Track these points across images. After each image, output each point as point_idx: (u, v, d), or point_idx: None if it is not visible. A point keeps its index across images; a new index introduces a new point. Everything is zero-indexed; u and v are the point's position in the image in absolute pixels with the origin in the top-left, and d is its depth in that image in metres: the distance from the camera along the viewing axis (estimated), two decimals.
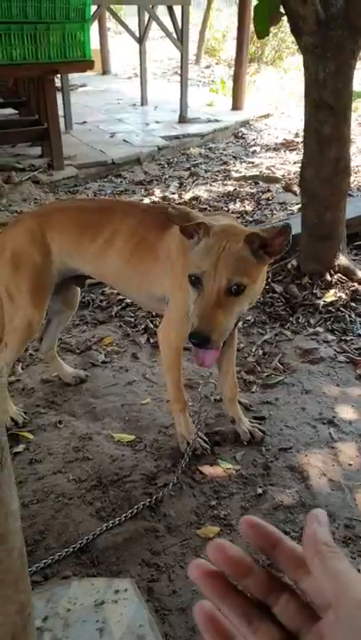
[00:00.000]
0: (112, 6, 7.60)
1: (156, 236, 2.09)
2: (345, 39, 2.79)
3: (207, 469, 2.10)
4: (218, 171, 5.75)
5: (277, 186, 5.13)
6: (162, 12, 7.33)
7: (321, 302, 3.15)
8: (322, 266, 3.34)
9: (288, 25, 3.07)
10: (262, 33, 3.44)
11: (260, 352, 2.82)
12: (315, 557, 0.43)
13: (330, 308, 3.11)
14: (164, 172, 5.82)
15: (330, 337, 2.90)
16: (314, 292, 3.25)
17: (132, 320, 3.14)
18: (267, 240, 1.62)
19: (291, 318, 3.08)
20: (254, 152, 6.40)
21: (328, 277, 3.31)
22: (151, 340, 2.95)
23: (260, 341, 2.90)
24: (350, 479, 2.05)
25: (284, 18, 3.19)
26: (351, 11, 2.78)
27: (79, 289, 2.53)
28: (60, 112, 6.72)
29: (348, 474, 2.07)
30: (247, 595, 0.46)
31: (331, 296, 3.21)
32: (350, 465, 2.12)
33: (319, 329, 2.97)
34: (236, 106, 7.99)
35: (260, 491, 1.99)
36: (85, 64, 5.16)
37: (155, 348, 2.89)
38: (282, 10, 3.19)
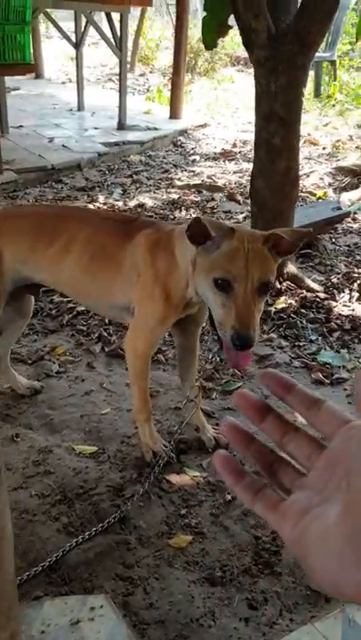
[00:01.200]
0: (47, 10, 7.49)
1: (117, 245, 2.06)
2: (296, 54, 2.87)
3: (174, 478, 2.09)
4: (160, 178, 5.76)
5: (221, 194, 5.20)
6: (98, 18, 7.29)
7: (272, 309, 3.21)
8: None
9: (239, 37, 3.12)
10: (210, 44, 3.49)
11: (217, 359, 2.83)
12: None
13: (281, 315, 3.18)
14: (106, 178, 5.77)
15: (284, 343, 2.96)
16: None
17: (85, 329, 3.09)
18: (283, 241, 1.67)
19: None
20: (194, 161, 6.45)
21: (278, 285, 3.38)
22: (106, 349, 2.90)
23: (215, 348, 2.92)
24: None
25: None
26: (301, 27, 2.86)
27: (33, 297, 2.46)
28: None
29: None
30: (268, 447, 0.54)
31: (281, 303, 3.27)
32: None
33: (273, 335, 3.02)
34: (173, 115, 8.03)
35: (228, 497, 1.99)
36: (26, 67, 5.06)
37: (110, 357, 2.85)
38: (230, 22, 3.25)
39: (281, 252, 1.71)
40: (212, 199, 5.05)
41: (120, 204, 4.91)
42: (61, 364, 2.79)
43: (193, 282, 1.82)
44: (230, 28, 3.38)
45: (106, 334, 3.01)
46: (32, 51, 5.04)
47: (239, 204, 4.95)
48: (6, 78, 10.55)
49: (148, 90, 10.43)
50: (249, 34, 2.93)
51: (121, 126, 7.28)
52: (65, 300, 3.34)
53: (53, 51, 13.00)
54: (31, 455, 2.20)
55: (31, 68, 5.10)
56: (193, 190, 5.30)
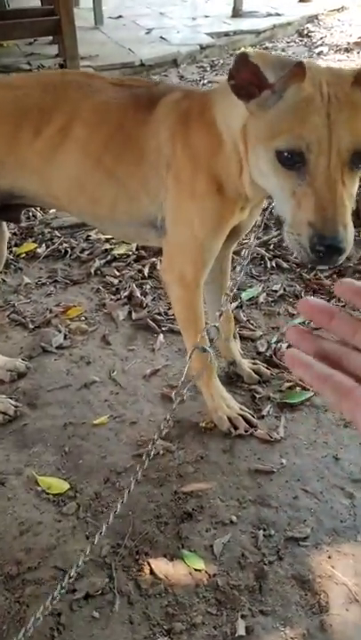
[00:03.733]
0: None
1: (137, 121, 1.39)
2: None
3: (163, 566, 1.29)
4: None
5: None
6: None
7: None
8: None
9: None
10: None
11: (285, 344, 1.92)
12: None
13: None
14: (204, 76, 4.73)
15: None
16: None
17: (116, 282, 2.28)
18: None
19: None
20: (320, 53, 5.15)
21: None
22: (133, 316, 2.09)
23: (286, 327, 2.00)
24: None
25: None
26: None
27: (6, 229, 1.73)
28: (90, 4, 5.68)
29: None
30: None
31: None
32: None
33: None
34: None
35: (241, 626, 1.16)
36: None
37: (135, 329, 2.05)
38: None
39: None
40: None
41: None
42: (70, 333, 2.03)
43: (247, 164, 1.23)
44: None
45: (139, 294, 2.19)
46: None
47: None
48: None
49: None
50: None
51: (236, 13, 6.06)
52: (103, 237, 2.55)
53: None
54: None
55: None
56: None
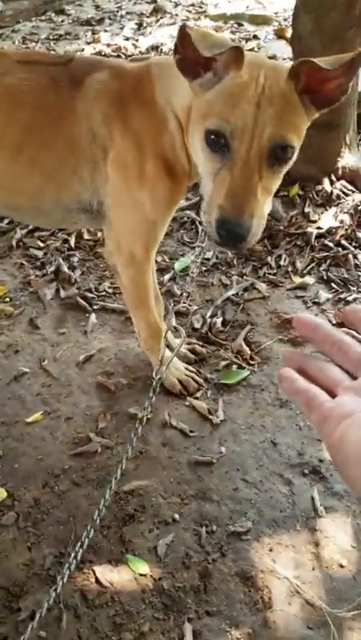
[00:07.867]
0: None
1: (61, 107, 1.31)
2: None
3: (107, 574, 1.28)
4: (192, 4, 4.34)
5: (267, 29, 3.81)
6: None
7: (314, 231, 2.16)
8: (319, 169, 2.31)
9: None
10: None
11: (220, 319, 1.89)
12: None
13: (326, 243, 2.13)
14: (122, 5, 4.42)
15: (324, 294, 1.96)
16: (306, 210, 2.24)
17: (40, 255, 2.17)
18: (326, 75, 1.01)
19: (269, 258, 2.10)
20: None
21: (327, 187, 2.29)
22: (62, 294, 2.00)
23: (220, 299, 1.96)
24: (339, 604, 1.24)
25: None
26: None
27: None
28: None
29: (337, 593, 1.26)
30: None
31: (329, 219, 2.20)
32: (341, 567, 1.30)
33: (309, 279, 2.01)
34: None
35: (189, 630, 1.19)
36: None
37: (65, 310, 1.96)
38: None
39: (319, 99, 1.06)
40: (255, 37, 3.69)
41: (129, 44, 3.65)
42: None
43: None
44: None
45: (66, 268, 2.08)
46: None
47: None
48: None
49: None
50: None
51: None
52: None
53: None
54: None
55: None
56: (230, 23, 3.91)
